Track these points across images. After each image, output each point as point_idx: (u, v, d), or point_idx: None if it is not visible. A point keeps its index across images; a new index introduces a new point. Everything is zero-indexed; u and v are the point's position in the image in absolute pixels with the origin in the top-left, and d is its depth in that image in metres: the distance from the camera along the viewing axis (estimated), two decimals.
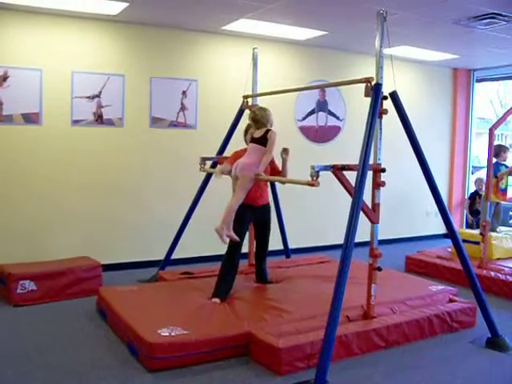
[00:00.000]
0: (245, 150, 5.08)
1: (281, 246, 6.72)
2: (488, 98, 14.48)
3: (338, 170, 4.02)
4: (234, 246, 5.01)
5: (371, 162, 4.22)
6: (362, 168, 3.95)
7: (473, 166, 10.18)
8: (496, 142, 6.84)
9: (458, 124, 9.61)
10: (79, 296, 5.51)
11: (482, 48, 7.59)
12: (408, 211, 9.03)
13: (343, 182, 4.05)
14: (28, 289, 5.29)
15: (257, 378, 3.75)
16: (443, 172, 9.54)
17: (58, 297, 5.43)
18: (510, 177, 6.77)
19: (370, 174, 4.30)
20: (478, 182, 8.62)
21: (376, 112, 4.12)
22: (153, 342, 3.80)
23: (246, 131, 5.33)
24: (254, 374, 3.80)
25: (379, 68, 4.22)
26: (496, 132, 6.45)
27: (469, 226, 8.74)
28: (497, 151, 6.93)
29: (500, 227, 7.41)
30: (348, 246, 3.76)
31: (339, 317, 3.69)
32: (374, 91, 4.13)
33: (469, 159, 9.81)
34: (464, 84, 9.61)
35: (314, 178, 3.94)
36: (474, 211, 8.69)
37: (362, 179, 3.91)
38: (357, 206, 3.87)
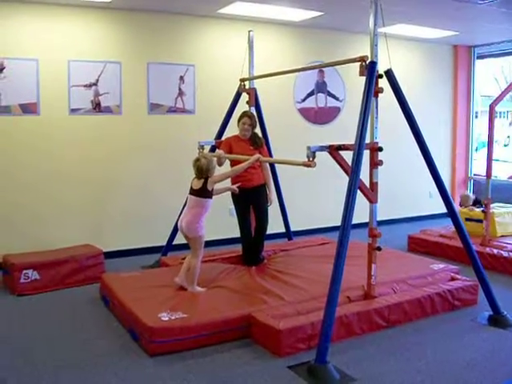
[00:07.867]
0: (236, 137, 5.55)
1: (283, 229, 6.73)
2: (493, 76, 14.31)
3: (334, 150, 4.01)
4: (240, 226, 5.67)
5: (368, 141, 4.21)
6: (358, 147, 3.94)
7: (482, 143, 10.02)
8: (497, 120, 6.77)
9: (460, 102, 9.50)
10: (82, 284, 5.55)
11: (482, 24, 7.46)
12: (411, 191, 8.98)
13: (340, 162, 4.05)
14: (31, 278, 5.32)
15: (258, 360, 3.76)
16: (446, 151, 9.47)
17: (61, 285, 5.46)
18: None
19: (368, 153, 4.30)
20: (464, 197, 7.64)
21: (371, 90, 4.10)
22: (153, 326, 3.82)
23: (239, 120, 5.55)
24: (255, 356, 3.82)
25: (373, 46, 4.19)
26: (499, 109, 6.38)
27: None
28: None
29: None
30: (346, 225, 3.76)
31: (338, 297, 3.70)
32: (369, 70, 4.10)
33: (471, 137, 9.71)
34: (465, 61, 9.50)
35: (311, 159, 3.95)
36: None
37: (358, 158, 3.90)
38: (354, 185, 3.86)
